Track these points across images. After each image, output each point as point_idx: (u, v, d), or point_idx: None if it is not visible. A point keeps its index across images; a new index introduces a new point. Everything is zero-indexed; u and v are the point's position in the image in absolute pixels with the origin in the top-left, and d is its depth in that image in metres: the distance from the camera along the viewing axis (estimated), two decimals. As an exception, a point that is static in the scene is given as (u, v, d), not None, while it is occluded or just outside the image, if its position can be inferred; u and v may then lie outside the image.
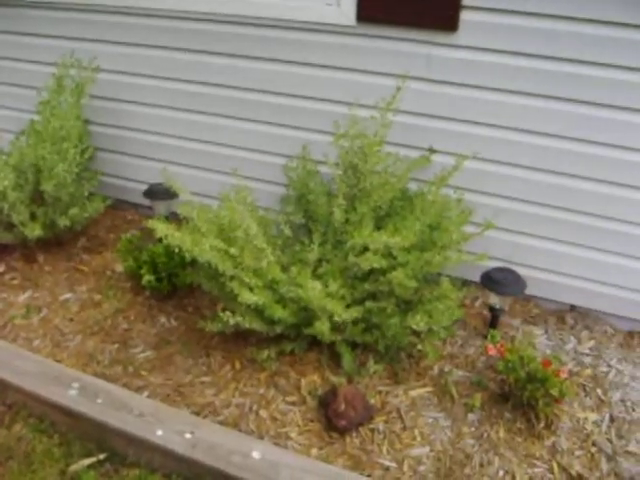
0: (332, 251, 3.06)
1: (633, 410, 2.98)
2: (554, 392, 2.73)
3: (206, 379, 3.09)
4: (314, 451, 2.75)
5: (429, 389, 3.05)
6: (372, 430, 2.85)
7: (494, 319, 3.28)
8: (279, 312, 2.86)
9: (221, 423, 2.84)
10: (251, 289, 2.81)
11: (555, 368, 2.76)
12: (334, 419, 2.81)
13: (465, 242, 3.02)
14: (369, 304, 2.93)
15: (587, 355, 3.29)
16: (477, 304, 3.61)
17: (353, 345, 3.12)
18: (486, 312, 3.44)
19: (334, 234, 3.09)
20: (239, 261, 2.83)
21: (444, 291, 2.90)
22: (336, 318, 2.77)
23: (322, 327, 2.82)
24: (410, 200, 3.17)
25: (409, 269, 2.84)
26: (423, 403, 2.98)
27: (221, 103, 3.84)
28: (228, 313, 2.83)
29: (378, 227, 2.98)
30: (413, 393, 3.02)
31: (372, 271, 2.87)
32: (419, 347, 3.05)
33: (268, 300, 2.84)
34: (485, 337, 3.21)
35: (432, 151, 3.37)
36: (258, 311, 2.89)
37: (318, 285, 2.74)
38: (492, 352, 2.91)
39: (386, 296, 2.95)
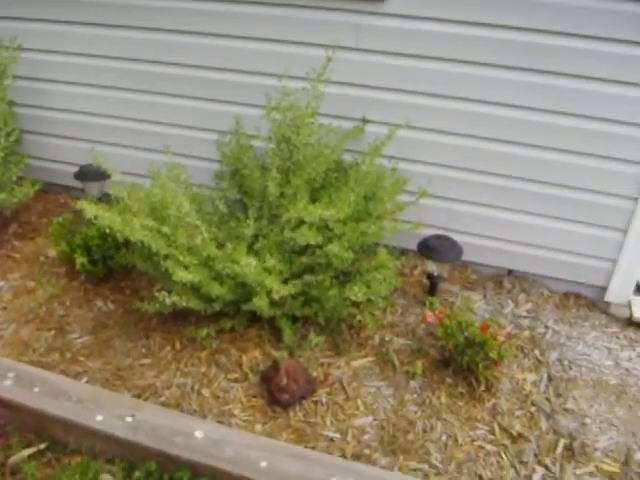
0: (268, 226, 3.03)
1: (570, 369, 3.05)
2: (493, 355, 2.78)
3: (146, 361, 3.04)
4: (258, 427, 2.74)
5: (371, 359, 3.06)
6: (315, 402, 2.85)
7: (433, 286, 3.31)
8: (216, 289, 2.82)
9: (163, 404, 2.81)
10: (186, 267, 2.76)
11: (493, 332, 2.80)
12: (276, 393, 2.81)
13: (400, 211, 3.03)
14: (307, 277, 2.91)
15: (525, 317, 3.35)
16: (416, 272, 3.63)
17: (293, 319, 3.11)
18: (425, 280, 3.47)
19: (269, 208, 3.06)
20: (172, 239, 2.78)
21: (381, 261, 2.90)
22: (274, 295, 2.75)
23: (260, 303, 2.80)
24: (344, 171, 3.16)
25: (345, 241, 2.83)
26: (365, 373, 2.99)
27: (149, 79, 3.75)
28: (164, 293, 2.78)
29: (313, 199, 2.96)
30: (355, 364, 3.03)
31: (309, 244, 2.85)
32: (359, 318, 3.05)
33: (204, 277, 2.80)
34: (424, 305, 3.24)
35: (365, 121, 3.36)
36: (195, 289, 2.85)
37: (253, 261, 2.71)
38: (431, 319, 2.93)
39: (324, 269, 2.94)
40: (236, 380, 2.95)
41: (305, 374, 2.88)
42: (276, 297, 2.74)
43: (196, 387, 2.90)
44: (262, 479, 2.43)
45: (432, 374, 2.98)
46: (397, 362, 3.03)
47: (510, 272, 3.61)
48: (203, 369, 2.99)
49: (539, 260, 3.48)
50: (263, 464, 2.48)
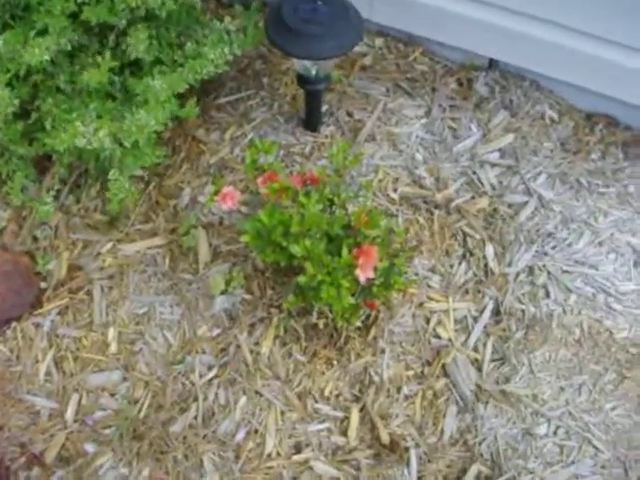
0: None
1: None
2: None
3: None
4: None
5: (161, 241, 1.63)
6: (37, 326, 1.56)
7: (311, 102, 1.63)
8: None
9: None
10: None
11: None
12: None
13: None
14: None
15: (496, 166, 1.74)
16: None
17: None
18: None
19: None
20: None
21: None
22: None
23: None
24: None
25: None
26: (142, 270, 1.59)
27: None
28: None
29: None
30: (129, 248, 1.62)
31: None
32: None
33: None
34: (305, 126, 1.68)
35: None
36: None
37: None
38: (230, 202, 1.35)
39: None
40: None
41: (17, 274, 1.54)
42: None
43: None
44: None
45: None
46: (204, 249, 1.60)
47: (493, 64, 1.88)
48: None
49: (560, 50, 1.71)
50: None
